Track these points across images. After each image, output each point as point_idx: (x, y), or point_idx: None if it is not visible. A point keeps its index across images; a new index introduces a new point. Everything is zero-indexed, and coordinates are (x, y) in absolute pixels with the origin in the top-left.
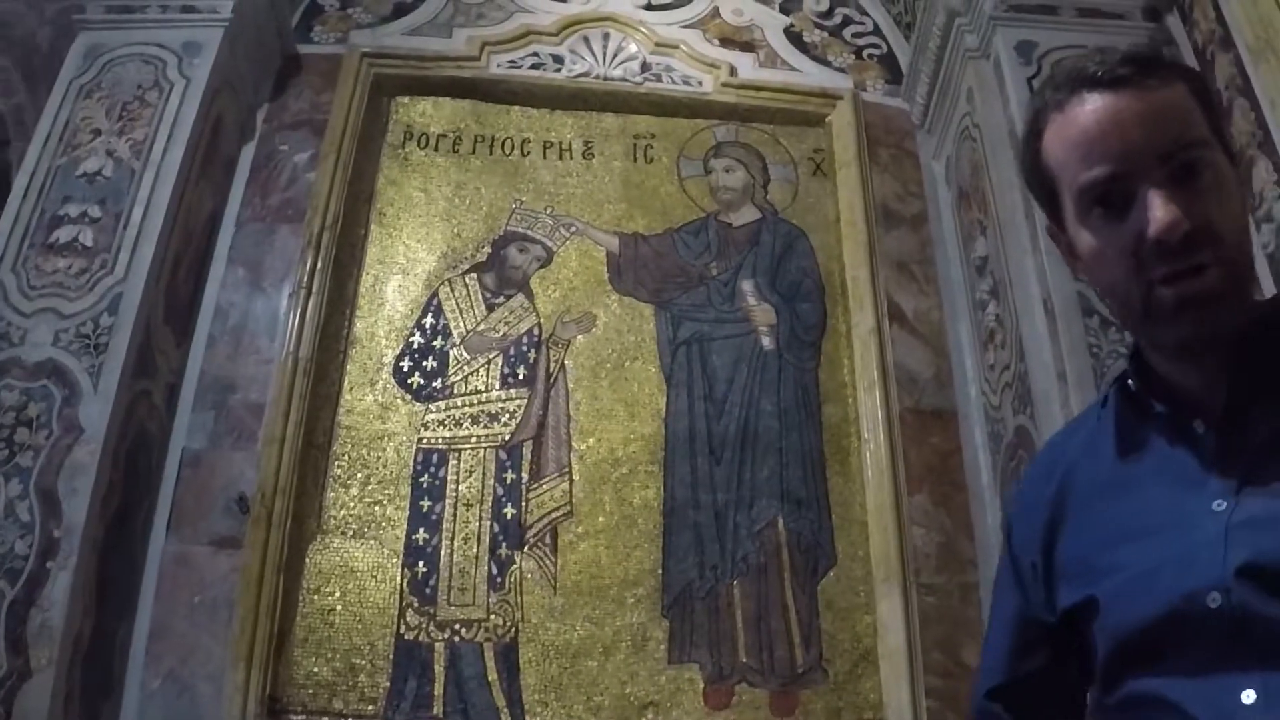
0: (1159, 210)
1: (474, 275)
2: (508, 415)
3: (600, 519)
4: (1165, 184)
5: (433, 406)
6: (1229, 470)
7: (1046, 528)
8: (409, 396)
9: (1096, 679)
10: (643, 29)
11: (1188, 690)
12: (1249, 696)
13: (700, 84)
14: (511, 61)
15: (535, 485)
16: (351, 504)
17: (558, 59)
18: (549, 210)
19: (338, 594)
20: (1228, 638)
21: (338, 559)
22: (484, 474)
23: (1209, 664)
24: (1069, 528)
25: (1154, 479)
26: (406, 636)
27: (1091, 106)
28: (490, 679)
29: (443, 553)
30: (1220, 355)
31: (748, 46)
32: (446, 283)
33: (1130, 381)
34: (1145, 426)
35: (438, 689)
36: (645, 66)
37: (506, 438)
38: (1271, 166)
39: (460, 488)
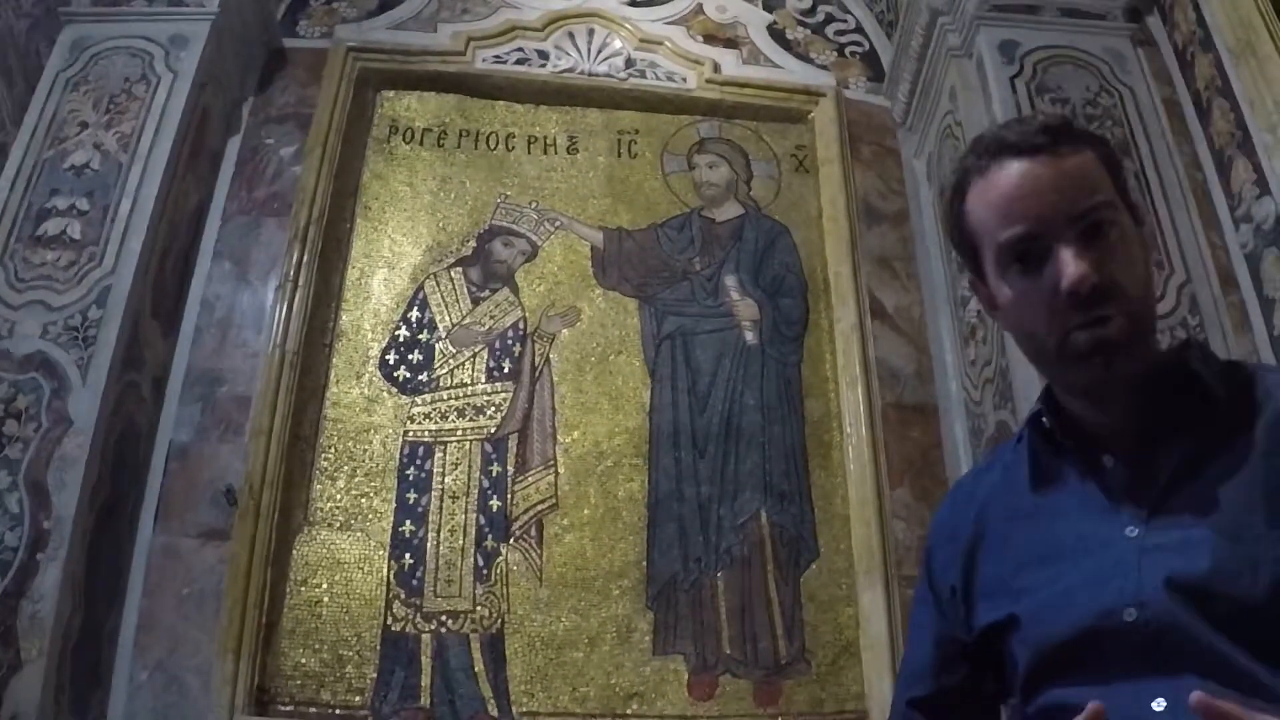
0: (1071, 266)
1: (459, 269)
2: (493, 408)
3: (585, 511)
4: (1075, 242)
5: (419, 399)
6: (1138, 500)
7: (965, 554)
8: (395, 389)
9: (1017, 690)
10: (627, 25)
11: (1104, 698)
12: (1159, 704)
13: (684, 80)
14: (496, 56)
15: (521, 478)
16: (338, 496)
17: (543, 54)
18: (534, 205)
19: (325, 586)
20: (1141, 650)
21: (325, 551)
22: (470, 466)
23: (1123, 674)
24: (987, 553)
25: (1067, 508)
26: (393, 628)
27: (1010, 171)
28: (477, 670)
29: (429, 545)
30: (1126, 397)
31: (731, 43)
32: (432, 276)
33: (1044, 419)
34: (1058, 461)
35: (425, 680)
36: (630, 62)
37: (492, 430)
38: (1251, 166)
39: (446, 480)
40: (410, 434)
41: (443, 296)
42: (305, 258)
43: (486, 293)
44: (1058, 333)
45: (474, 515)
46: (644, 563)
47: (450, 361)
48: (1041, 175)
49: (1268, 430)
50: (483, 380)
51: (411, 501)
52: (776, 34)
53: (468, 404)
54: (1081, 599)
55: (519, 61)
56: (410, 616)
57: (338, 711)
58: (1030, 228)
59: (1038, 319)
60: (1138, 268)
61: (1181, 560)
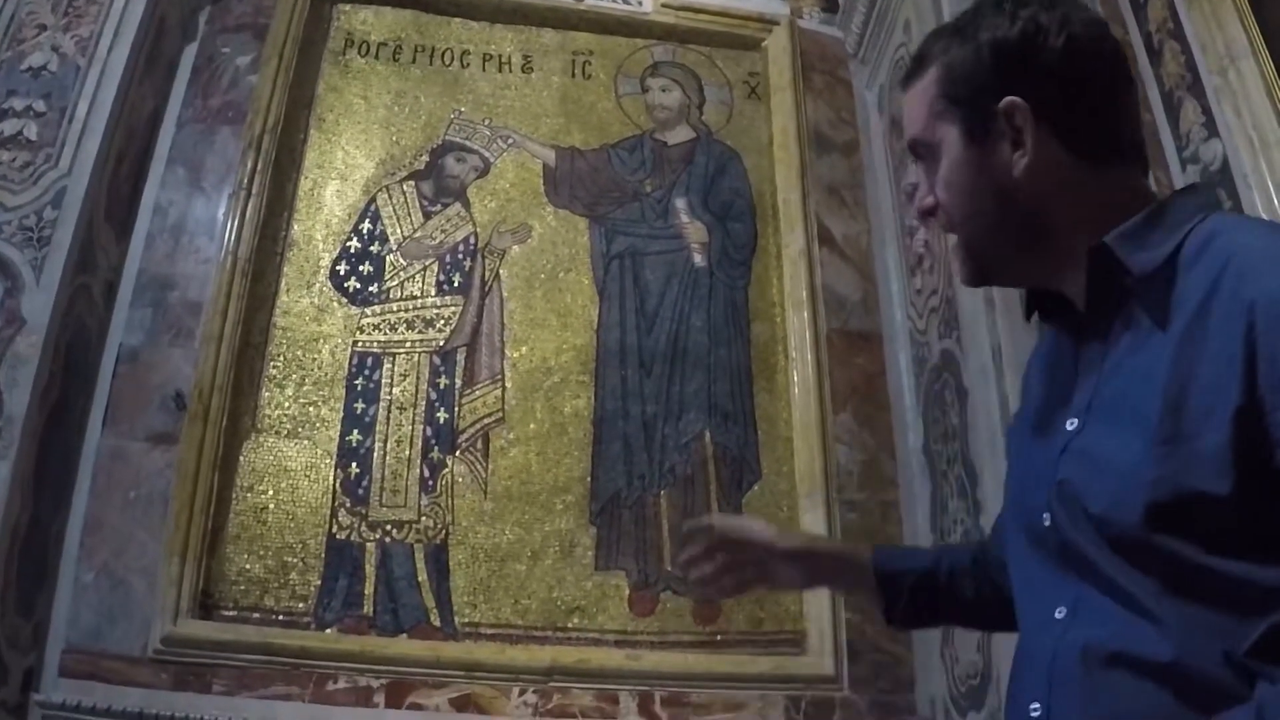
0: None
1: (411, 183)
2: (442, 321)
3: (531, 426)
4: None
5: (368, 310)
6: (1083, 386)
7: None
8: (345, 300)
9: None
10: None
11: (1022, 598)
12: (1060, 612)
13: (640, 3)
14: None
15: (468, 391)
16: (286, 404)
17: None
18: (487, 122)
19: (271, 493)
20: (1052, 556)
21: (272, 458)
22: (418, 378)
23: (1038, 577)
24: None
25: (1046, 383)
26: (338, 536)
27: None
28: (420, 580)
29: (375, 454)
30: (1069, 277)
31: None
32: (384, 189)
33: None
34: (1051, 334)
35: (368, 588)
36: None
37: (441, 343)
38: (1200, 109)
39: (394, 391)
40: (359, 344)
41: (394, 209)
42: (259, 166)
43: (438, 207)
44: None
45: (421, 427)
46: (588, 479)
47: (401, 274)
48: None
49: (1186, 324)
50: (433, 293)
51: (359, 411)
52: None
53: (417, 316)
54: (1020, 495)
55: None
56: (355, 525)
57: (281, 617)
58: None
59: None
60: (956, 185)
61: (1081, 475)
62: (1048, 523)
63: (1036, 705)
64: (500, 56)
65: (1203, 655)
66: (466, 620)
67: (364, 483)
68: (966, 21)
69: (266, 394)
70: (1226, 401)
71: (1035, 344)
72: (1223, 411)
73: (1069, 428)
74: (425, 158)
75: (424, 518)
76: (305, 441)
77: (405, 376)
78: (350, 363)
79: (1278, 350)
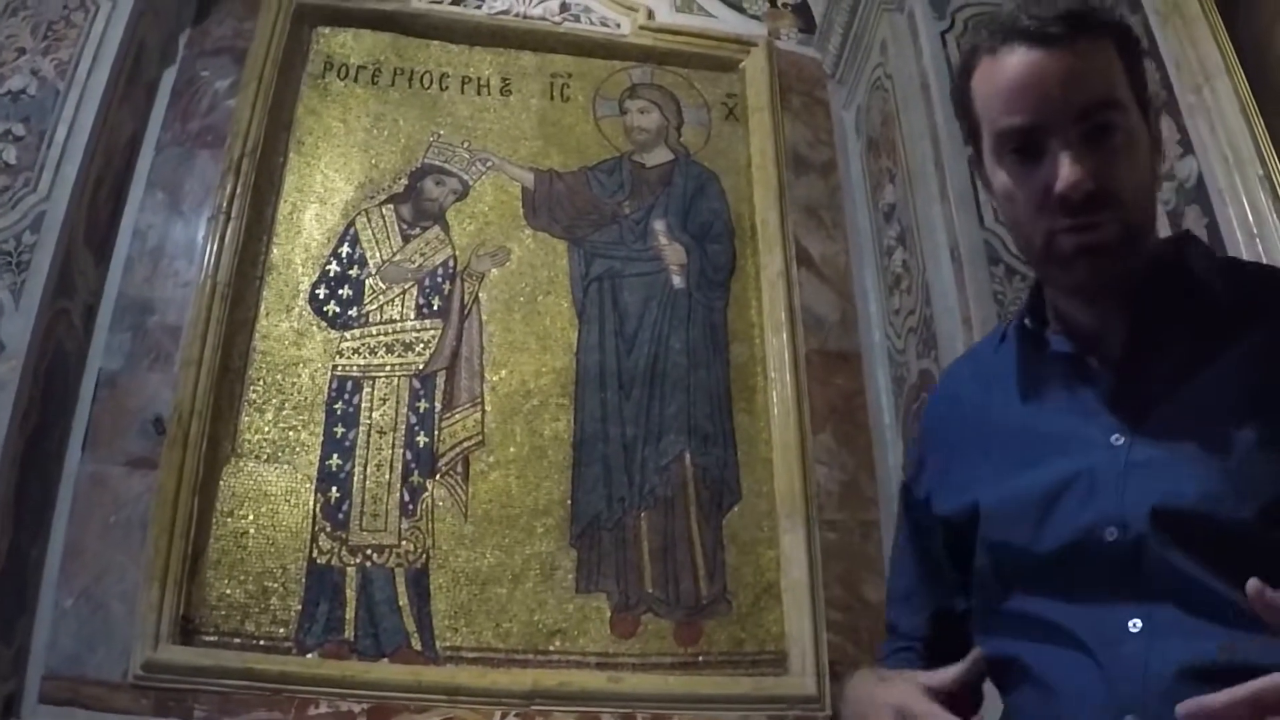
0: (1066, 169)
1: (390, 206)
2: (422, 345)
3: (511, 449)
4: (1077, 142)
5: (348, 334)
6: (1125, 408)
7: (936, 454)
8: (325, 324)
9: (977, 586)
10: None
11: (1077, 615)
12: (1135, 625)
13: (618, 26)
14: None
15: (448, 414)
16: (266, 428)
17: None
18: (466, 144)
19: (251, 517)
20: (1119, 570)
21: (251, 482)
22: (398, 402)
23: (1098, 592)
24: (957, 453)
25: (1052, 409)
26: (319, 560)
27: (1019, 59)
28: (401, 604)
29: (356, 479)
30: (1116, 298)
31: None
32: (363, 213)
33: (1026, 320)
34: (1044, 362)
35: (349, 613)
36: (564, 7)
37: (420, 367)
38: (1175, 126)
39: (374, 415)
40: (339, 368)
41: (374, 233)
42: (238, 190)
43: (417, 230)
44: (1043, 231)
45: (401, 450)
46: (568, 501)
47: (380, 297)
48: (1049, 68)
49: (1267, 336)
50: (412, 317)
51: (339, 435)
52: None
53: (396, 340)
54: (1062, 510)
55: (455, 2)
56: (336, 550)
57: (262, 642)
58: (1030, 120)
59: (1027, 214)
60: (1139, 173)
61: (1168, 482)
62: (1112, 537)
63: (1131, 718)
64: (479, 79)
65: None
66: (448, 644)
67: (344, 507)
68: (1086, 13)
69: (246, 418)
70: None
71: (943, 386)
72: None
73: (1115, 442)
74: (404, 181)
75: (404, 541)
76: (285, 466)
77: (385, 400)
78: (330, 387)
79: None
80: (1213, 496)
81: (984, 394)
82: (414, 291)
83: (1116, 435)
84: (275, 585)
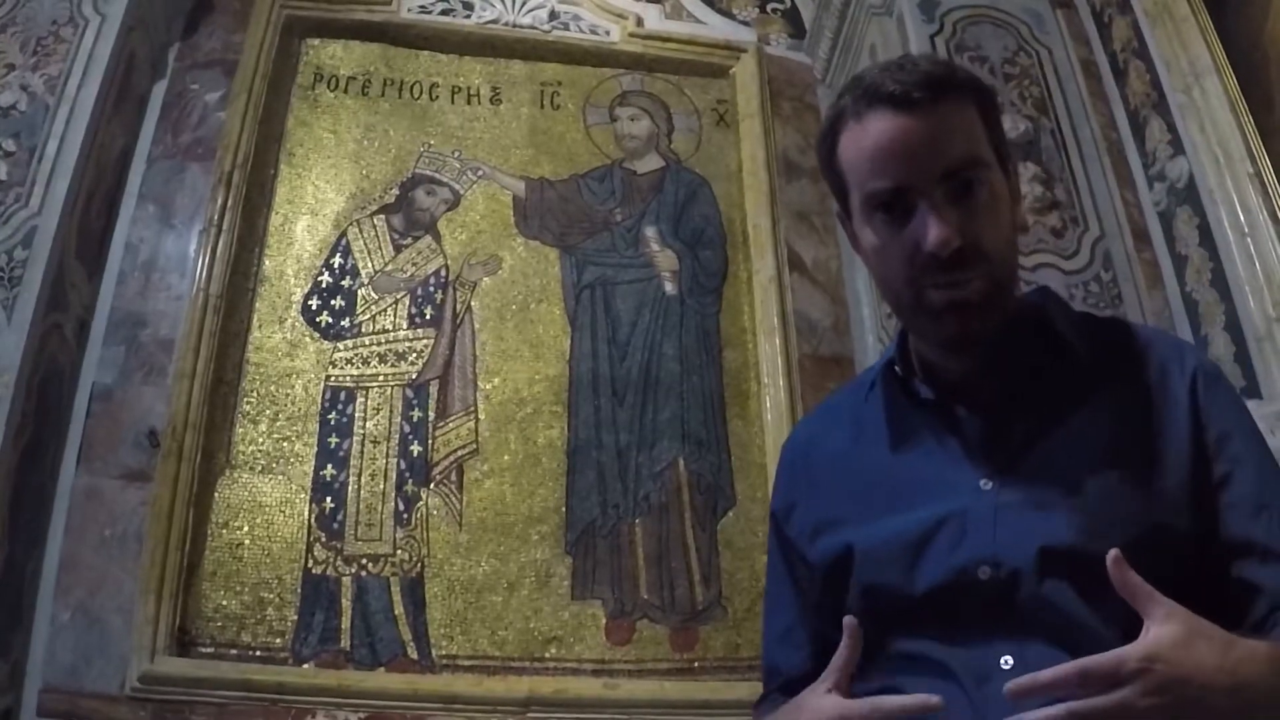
0: (934, 229)
1: (382, 216)
2: (415, 354)
3: (505, 457)
4: (942, 202)
5: (341, 345)
6: (993, 454)
7: (808, 496)
8: (317, 335)
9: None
10: None
11: (952, 653)
12: (1007, 662)
13: (607, 33)
14: (422, 6)
15: (442, 423)
16: (260, 440)
17: (468, 5)
18: (457, 154)
19: (246, 528)
20: (992, 608)
21: (246, 494)
22: (391, 412)
23: (971, 631)
24: (828, 496)
25: (921, 455)
26: (314, 570)
27: (884, 124)
28: (396, 613)
29: (350, 489)
30: (982, 349)
31: None
32: (355, 223)
33: (896, 367)
34: (912, 409)
35: (345, 622)
36: (553, 15)
37: (413, 376)
38: (1165, 126)
39: (368, 425)
40: (332, 379)
41: (365, 243)
42: (229, 203)
43: (409, 240)
44: (913, 287)
45: (395, 460)
46: (563, 509)
47: (372, 308)
48: (914, 131)
49: (1122, 391)
50: (404, 327)
51: (333, 446)
52: None
53: (389, 350)
54: (934, 552)
55: (444, 12)
56: (331, 559)
57: (258, 653)
58: (897, 182)
59: (897, 271)
60: (1002, 229)
61: (1040, 523)
62: (985, 576)
63: None
64: (469, 89)
65: None
66: (444, 652)
67: (339, 517)
68: (946, 75)
69: (240, 430)
70: (1181, 450)
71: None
72: (1180, 457)
73: (984, 487)
74: (395, 191)
75: (399, 551)
76: (280, 477)
77: (378, 410)
78: (323, 397)
79: (1213, 409)
80: (1085, 533)
81: (852, 439)
82: (406, 301)
83: (985, 480)
84: (271, 596)
